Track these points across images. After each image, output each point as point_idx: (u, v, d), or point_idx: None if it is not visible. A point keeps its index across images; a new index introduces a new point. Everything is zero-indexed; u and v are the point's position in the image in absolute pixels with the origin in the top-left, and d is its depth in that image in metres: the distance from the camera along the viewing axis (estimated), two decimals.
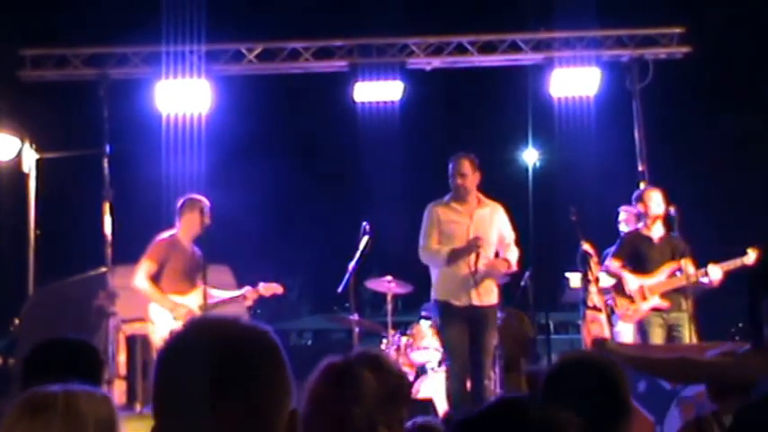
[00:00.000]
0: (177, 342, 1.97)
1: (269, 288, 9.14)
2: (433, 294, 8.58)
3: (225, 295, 9.05)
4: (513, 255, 8.57)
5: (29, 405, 2.61)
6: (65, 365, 3.36)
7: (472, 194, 8.46)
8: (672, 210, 9.29)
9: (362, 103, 13.24)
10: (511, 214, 8.70)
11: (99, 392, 2.77)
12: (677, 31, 12.93)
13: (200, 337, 1.95)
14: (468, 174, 8.38)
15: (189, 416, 1.87)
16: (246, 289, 9.13)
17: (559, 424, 2.01)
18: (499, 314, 8.86)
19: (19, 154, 14.23)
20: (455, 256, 8.31)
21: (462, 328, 8.29)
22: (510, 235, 8.60)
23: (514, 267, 8.65)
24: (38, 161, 14.26)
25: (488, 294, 8.46)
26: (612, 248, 9.57)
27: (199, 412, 1.86)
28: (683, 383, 6.15)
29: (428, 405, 8.69)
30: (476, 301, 8.32)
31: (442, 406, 8.77)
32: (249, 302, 9.17)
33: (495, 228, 8.50)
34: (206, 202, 8.80)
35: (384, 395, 3.24)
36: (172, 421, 1.91)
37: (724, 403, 5.08)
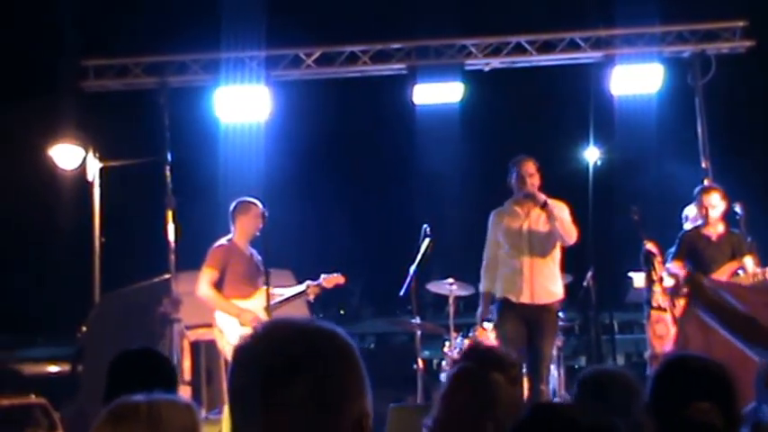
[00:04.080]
0: (249, 345, 1.99)
1: (331, 279, 9.03)
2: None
3: (288, 293, 8.99)
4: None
5: (113, 414, 2.69)
6: (146, 376, 3.43)
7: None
8: (738, 207, 9.14)
9: (422, 105, 13.22)
10: (573, 212, 8.64)
11: (182, 401, 2.84)
12: (740, 24, 12.73)
13: (271, 338, 1.97)
14: (534, 174, 8.45)
15: (260, 414, 1.89)
16: (308, 283, 9.05)
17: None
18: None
19: (83, 163, 14.47)
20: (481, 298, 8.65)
21: (519, 324, 8.33)
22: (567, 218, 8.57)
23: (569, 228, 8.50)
24: (101, 170, 14.48)
25: (546, 293, 8.46)
26: (673, 249, 9.44)
27: (269, 411, 1.88)
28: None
29: None
30: (528, 299, 8.35)
31: None
32: (312, 296, 9.10)
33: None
34: (259, 204, 8.76)
35: (513, 394, 3.31)
36: (245, 419, 1.93)
37: None
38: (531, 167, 8.48)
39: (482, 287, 8.61)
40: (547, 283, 8.49)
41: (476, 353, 3.51)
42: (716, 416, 3.13)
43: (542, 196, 8.34)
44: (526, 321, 8.34)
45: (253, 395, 1.90)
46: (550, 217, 8.35)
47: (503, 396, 3.27)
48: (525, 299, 8.36)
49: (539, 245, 8.45)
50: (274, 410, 1.88)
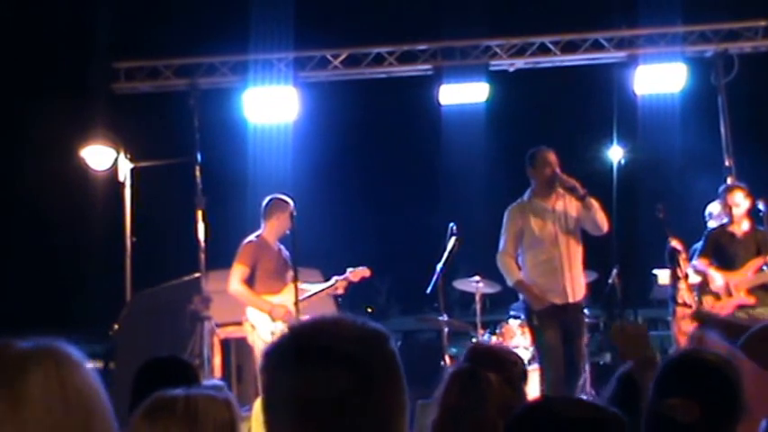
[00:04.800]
0: (287, 342, 1.93)
1: (357, 273, 9.03)
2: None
3: (316, 288, 9.06)
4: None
5: (151, 408, 2.73)
6: (170, 383, 3.53)
7: (555, 186, 8.30)
8: (762, 204, 9.20)
9: (448, 105, 13.32)
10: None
11: (220, 396, 2.84)
12: (762, 24, 12.77)
13: (310, 336, 1.91)
14: (557, 165, 8.24)
15: (294, 414, 1.84)
16: (335, 278, 9.10)
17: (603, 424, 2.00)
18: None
19: (115, 164, 14.67)
20: (520, 290, 8.37)
21: (558, 330, 8.09)
22: None
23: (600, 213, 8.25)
24: (132, 170, 14.67)
25: (581, 289, 8.32)
26: (699, 246, 9.50)
27: (304, 409, 1.83)
28: None
29: None
30: (570, 299, 8.16)
31: None
32: (341, 291, 9.15)
33: (577, 210, 8.29)
34: (292, 203, 8.83)
35: (508, 392, 3.32)
36: (278, 417, 1.88)
37: None
38: (554, 158, 8.27)
39: (514, 278, 8.28)
40: (580, 278, 8.38)
41: (475, 353, 3.52)
42: (686, 412, 3.04)
43: (582, 189, 8.11)
44: (561, 323, 8.13)
45: (288, 392, 1.86)
46: (587, 207, 8.11)
47: (495, 396, 3.28)
48: (571, 298, 8.17)
49: (573, 240, 8.27)
50: (309, 408, 1.82)
